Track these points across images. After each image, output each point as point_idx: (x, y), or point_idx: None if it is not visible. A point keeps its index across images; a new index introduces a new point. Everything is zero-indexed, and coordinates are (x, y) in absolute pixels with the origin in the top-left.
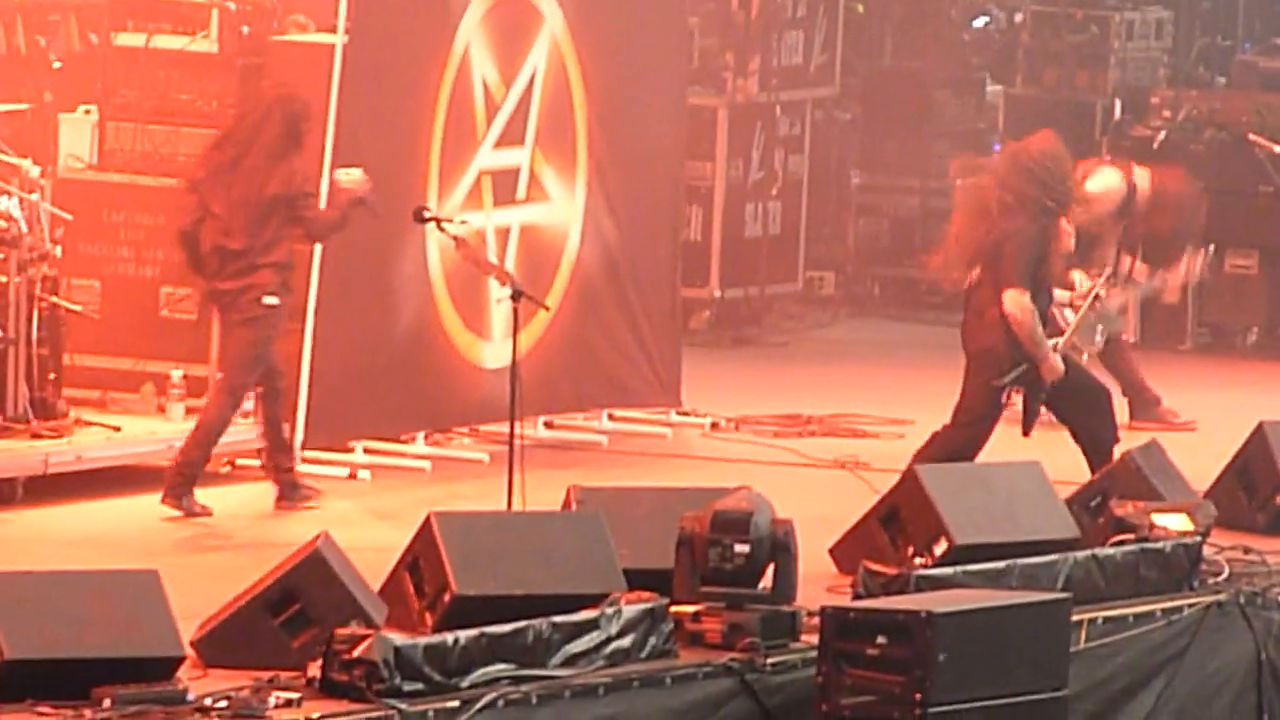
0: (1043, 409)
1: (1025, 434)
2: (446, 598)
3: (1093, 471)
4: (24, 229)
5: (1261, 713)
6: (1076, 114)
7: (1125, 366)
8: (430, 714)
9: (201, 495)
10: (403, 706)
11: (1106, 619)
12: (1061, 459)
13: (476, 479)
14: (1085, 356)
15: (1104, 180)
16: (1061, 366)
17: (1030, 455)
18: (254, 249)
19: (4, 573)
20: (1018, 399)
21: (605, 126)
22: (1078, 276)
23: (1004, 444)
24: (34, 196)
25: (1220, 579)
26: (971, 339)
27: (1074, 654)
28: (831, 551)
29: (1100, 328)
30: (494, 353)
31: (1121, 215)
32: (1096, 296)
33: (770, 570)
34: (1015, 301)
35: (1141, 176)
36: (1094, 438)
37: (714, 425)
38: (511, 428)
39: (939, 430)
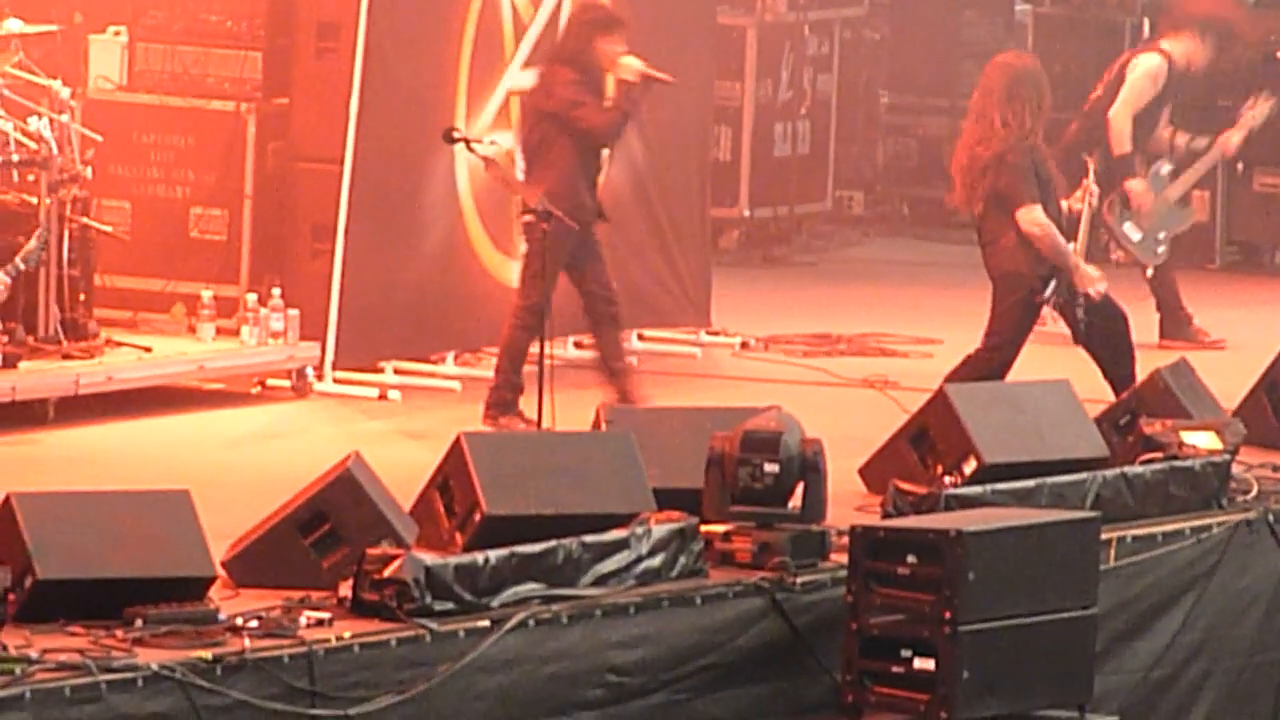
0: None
1: (1076, 342)
2: (477, 517)
3: (1116, 393)
4: (54, 150)
5: None
6: (1105, 32)
7: (1165, 283)
8: (461, 633)
9: (232, 415)
10: (433, 626)
11: (1135, 537)
12: (1090, 377)
13: None
14: (1150, 271)
15: (1143, 66)
16: (1093, 273)
17: (1059, 374)
18: (526, 160)
19: (36, 493)
20: (1049, 318)
21: (633, 46)
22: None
23: (1033, 363)
24: (64, 118)
25: (1249, 497)
26: (993, 266)
27: (1103, 572)
28: (861, 471)
29: (1162, 234)
30: None
31: (1165, 98)
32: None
33: (800, 490)
34: (1029, 218)
35: (1177, 47)
36: (1113, 363)
37: (743, 345)
38: (541, 347)
39: (971, 354)
